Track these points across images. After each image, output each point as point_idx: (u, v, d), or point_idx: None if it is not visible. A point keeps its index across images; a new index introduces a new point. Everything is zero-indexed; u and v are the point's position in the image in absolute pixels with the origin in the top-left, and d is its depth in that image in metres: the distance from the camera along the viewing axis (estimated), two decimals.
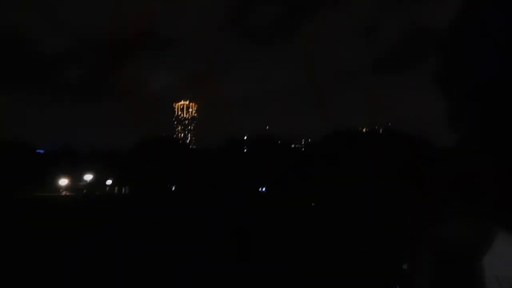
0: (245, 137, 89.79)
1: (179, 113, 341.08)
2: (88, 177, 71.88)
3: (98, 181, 72.67)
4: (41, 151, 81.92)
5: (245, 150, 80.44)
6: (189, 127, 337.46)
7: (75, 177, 71.18)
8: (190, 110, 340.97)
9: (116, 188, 74.88)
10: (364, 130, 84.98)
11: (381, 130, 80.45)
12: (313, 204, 46.74)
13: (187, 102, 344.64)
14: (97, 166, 68.97)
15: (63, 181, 69.84)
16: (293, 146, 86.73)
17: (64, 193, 67.91)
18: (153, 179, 67.29)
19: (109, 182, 74.64)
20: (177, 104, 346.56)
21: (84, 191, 70.02)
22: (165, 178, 69.90)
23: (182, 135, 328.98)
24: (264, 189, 70.70)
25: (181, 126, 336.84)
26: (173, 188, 73.46)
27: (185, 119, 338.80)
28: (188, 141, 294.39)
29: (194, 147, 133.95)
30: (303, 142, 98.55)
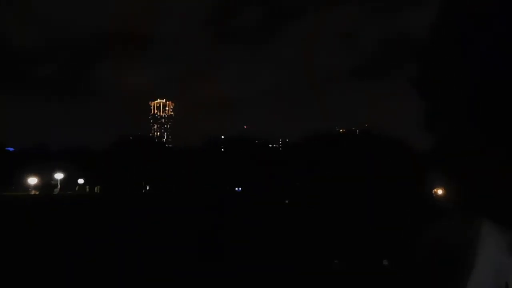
0: (223, 137, 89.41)
1: (156, 111, 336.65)
2: (59, 175, 69.54)
3: (70, 180, 70.33)
4: (11, 149, 79.15)
5: (222, 150, 79.87)
6: (166, 126, 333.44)
7: (46, 176, 68.73)
8: (167, 108, 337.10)
9: (88, 187, 72.68)
10: (341, 130, 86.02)
11: (357, 131, 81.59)
12: (286, 202, 46.45)
13: (164, 101, 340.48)
14: (69, 165, 66.80)
15: (32, 180, 67.38)
16: (270, 146, 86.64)
17: (33, 192, 65.42)
18: (127, 178, 65.58)
19: (80, 181, 72.32)
20: (153, 103, 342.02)
21: (55, 190, 67.71)
22: (139, 177, 68.28)
23: (158, 133, 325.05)
24: (239, 188, 70.07)
25: (157, 125, 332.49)
26: (147, 188, 71.92)
27: (161, 117, 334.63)
28: (164, 139, 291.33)
29: (170, 146, 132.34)
30: (280, 143, 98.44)
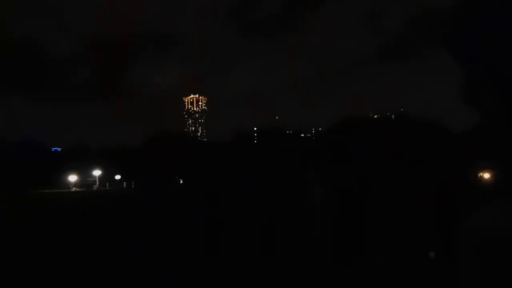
0: (255, 129, 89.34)
1: (189, 107, 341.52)
2: (97, 172, 72.21)
3: (108, 177, 72.80)
4: (58, 149, 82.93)
5: (255, 142, 79.78)
6: (200, 121, 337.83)
7: (85, 173, 71.47)
8: (200, 103, 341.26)
9: (125, 183, 74.75)
10: (375, 116, 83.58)
11: (393, 116, 79.04)
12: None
13: (197, 96, 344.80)
14: (107, 163, 69.23)
15: (73, 178, 70.21)
16: (302, 135, 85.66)
17: (73, 189, 68.10)
18: (161, 173, 66.90)
19: (118, 177, 74.63)
20: (187, 98, 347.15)
21: (94, 186, 70.17)
22: (173, 172, 69.50)
23: (193, 128, 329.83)
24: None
25: (192, 120, 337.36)
26: (181, 182, 73.01)
27: (195, 112, 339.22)
28: (199, 134, 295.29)
29: (205, 140, 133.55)
30: (313, 131, 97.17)
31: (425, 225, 14.72)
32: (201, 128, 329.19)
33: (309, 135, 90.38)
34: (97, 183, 71.94)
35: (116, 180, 74.40)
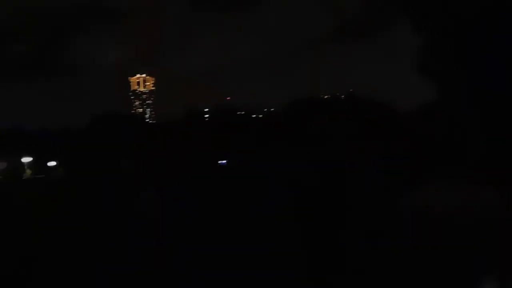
0: (206, 109, 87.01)
1: (136, 87, 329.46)
2: (27, 159, 66.01)
3: (44, 163, 67.10)
4: None
5: (205, 122, 77.79)
6: (148, 102, 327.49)
7: (15, 159, 65.22)
8: (147, 84, 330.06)
9: (62, 169, 69.43)
10: (326, 97, 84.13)
11: (343, 96, 79.83)
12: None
13: (144, 76, 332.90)
14: (43, 146, 63.55)
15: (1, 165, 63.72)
16: (254, 116, 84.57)
17: None
18: (104, 157, 63.07)
19: (52, 163, 68.85)
20: (132, 78, 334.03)
21: (24, 175, 64.41)
22: (116, 155, 65.77)
23: (141, 110, 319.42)
24: (224, 161, 68.19)
25: (139, 101, 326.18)
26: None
27: (142, 93, 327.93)
28: (147, 115, 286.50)
29: (154, 121, 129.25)
30: (265, 111, 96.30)
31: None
32: (149, 110, 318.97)
33: (261, 115, 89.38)
34: (27, 170, 65.78)
35: (50, 166, 68.39)
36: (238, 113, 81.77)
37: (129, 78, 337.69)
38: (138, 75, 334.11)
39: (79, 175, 57.44)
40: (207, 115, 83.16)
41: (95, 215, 17.03)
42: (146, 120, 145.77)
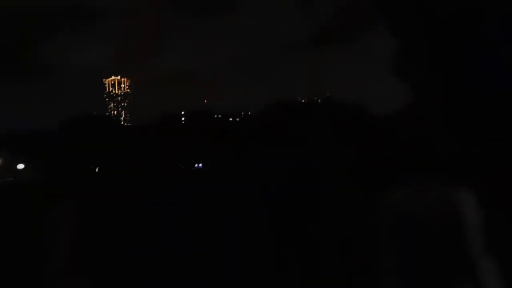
0: (182, 112, 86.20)
1: (111, 89, 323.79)
2: None
3: (12, 166, 64.80)
4: None
5: (182, 125, 76.99)
6: (123, 104, 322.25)
7: None
8: (123, 86, 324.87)
9: (31, 173, 67.20)
10: (303, 101, 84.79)
11: (320, 100, 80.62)
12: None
13: (118, 77, 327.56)
14: (12, 150, 61.37)
15: None
16: (231, 119, 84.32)
17: None
18: (76, 161, 61.45)
19: (20, 166, 66.54)
20: (107, 80, 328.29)
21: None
22: (88, 159, 64.25)
23: (116, 112, 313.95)
24: (200, 165, 67.66)
25: (114, 103, 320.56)
26: (96, 170, 67.75)
27: (117, 95, 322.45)
28: (122, 118, 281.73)
29: (129, 124, 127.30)
30: (242, 115, 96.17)
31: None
32: (124, 112, 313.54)
33: (238, 119, 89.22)
34: None
35: (19, 169, 66.11)
36: (215, 116, 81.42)
37: (104, 79, 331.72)
38: (113, 77, 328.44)
39: (49, 178, 55.67)
40: (183, 118, 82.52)
41: (66, 218, 16.31)
42: (121, 123, 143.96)
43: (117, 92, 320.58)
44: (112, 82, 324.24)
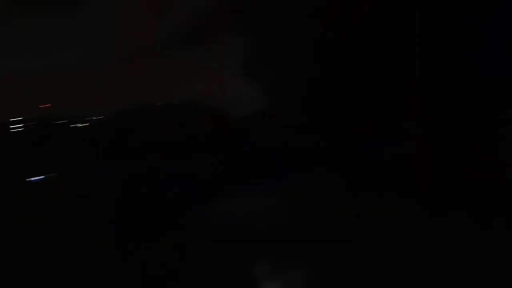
0: (15, 119, 74.72)
1: None
2: None
3: None
4: None
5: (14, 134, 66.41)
6: None
7: None
8: None
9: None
10: (158, 104, 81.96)
11: (178, 103, 78.93)
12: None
13: None
14: None
15: None
16: (73, 126, 76.42)
17: None
18: None
19: None
20: None
21: None
22: None
23: None
24: (39, 178, 58.75)
25: None
26: None
27: None
28: None
29: None
30: (93, 119, 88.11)
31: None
32: None
33: (85, 124, 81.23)
34: None
35: None
36: (58, 122, 72.72)
37: None
38: None
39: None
40: (16, 126, 71.68)
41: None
42: None
43: None
44: None
